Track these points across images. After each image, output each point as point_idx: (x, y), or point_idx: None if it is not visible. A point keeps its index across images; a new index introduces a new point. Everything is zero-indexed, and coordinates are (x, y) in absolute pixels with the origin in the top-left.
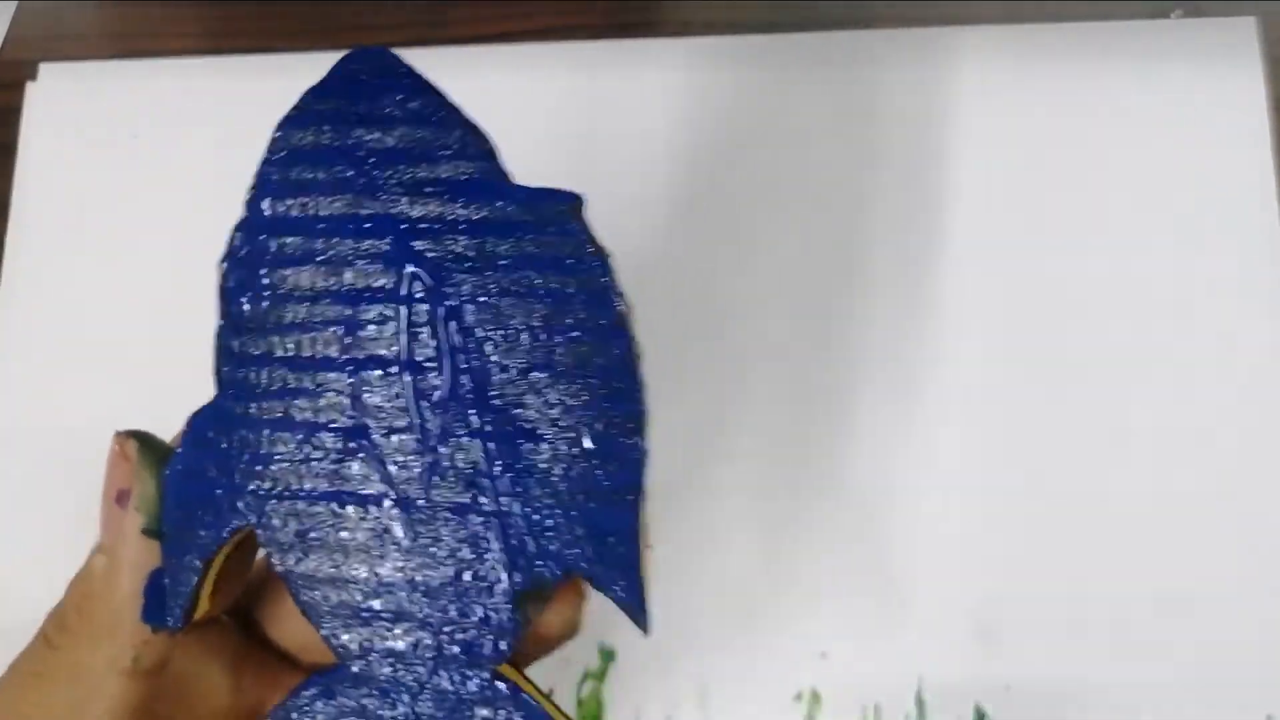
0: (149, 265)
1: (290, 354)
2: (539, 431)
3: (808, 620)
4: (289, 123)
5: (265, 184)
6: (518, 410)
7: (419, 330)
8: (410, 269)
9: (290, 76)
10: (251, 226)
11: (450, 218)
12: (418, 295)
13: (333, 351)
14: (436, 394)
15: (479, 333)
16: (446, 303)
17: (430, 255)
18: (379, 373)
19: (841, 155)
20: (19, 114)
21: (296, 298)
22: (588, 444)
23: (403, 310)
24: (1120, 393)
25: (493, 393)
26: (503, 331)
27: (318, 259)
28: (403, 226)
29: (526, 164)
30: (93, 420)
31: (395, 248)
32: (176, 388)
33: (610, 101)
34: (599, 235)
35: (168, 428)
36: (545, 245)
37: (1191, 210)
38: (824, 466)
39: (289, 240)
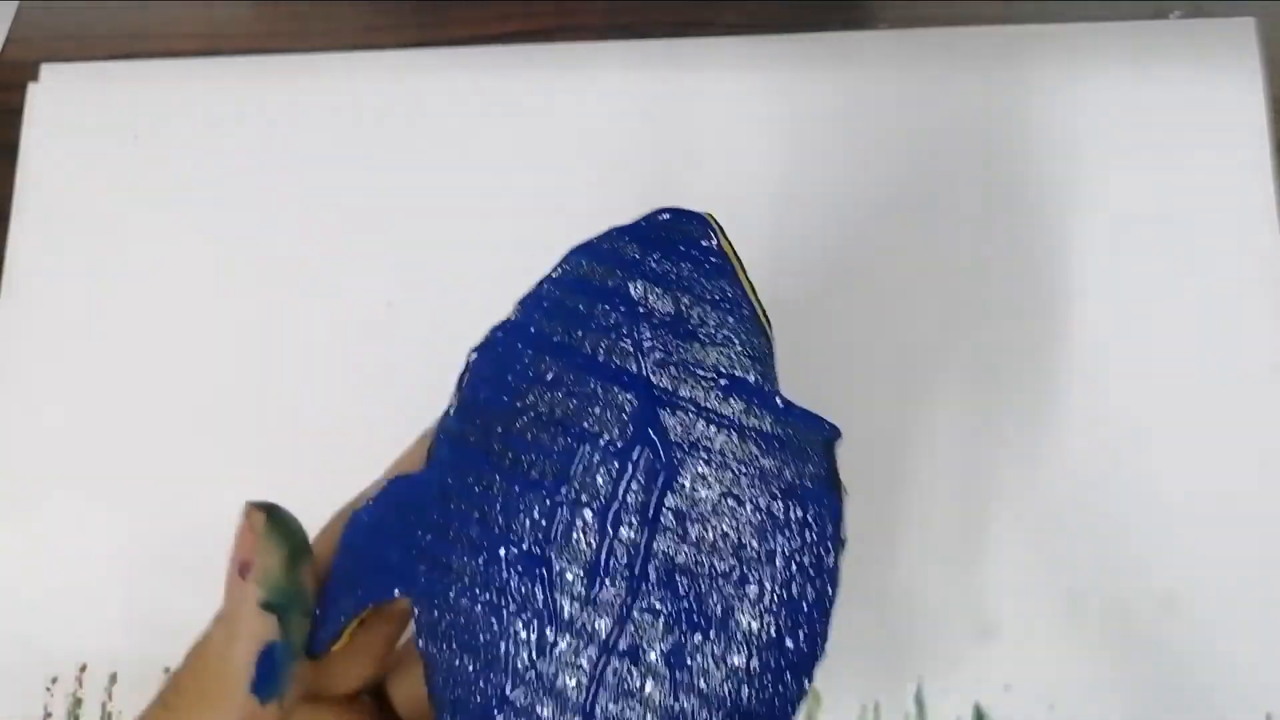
0: (151, 266)
1: (507, 463)
2: (711, 635)
3: None
4: (586, 250)
5: (542, 298)
6: (697, 610)
7: (634, 494)
8: (647, 434)
9: (291, 77)
10: (515, 330)
11: (704, 404)
12: (645, 461)
13: (546, 478)
14: (625, 559)
15: (687, 524)
16: (667, 478)
17: (669, 429)
18: (578, 518)
19: (839, 157)
20: (20, 115)
21: (533, 415)
22: (752, 667)
23: (627, 467)
24: (1119, 392)
25: (680, 584)
26: (711, 533)
27: (564, 388)
28: (655, 393)
29: (524, 164)
30: (93, 421)
31: (640, 409)
32: (177, 389)
33: (612, 102)
34: (841, 473)
35: (169, 428)
36: (785, 466)
37: (1190, 211)
38: None
39: (545, 359)
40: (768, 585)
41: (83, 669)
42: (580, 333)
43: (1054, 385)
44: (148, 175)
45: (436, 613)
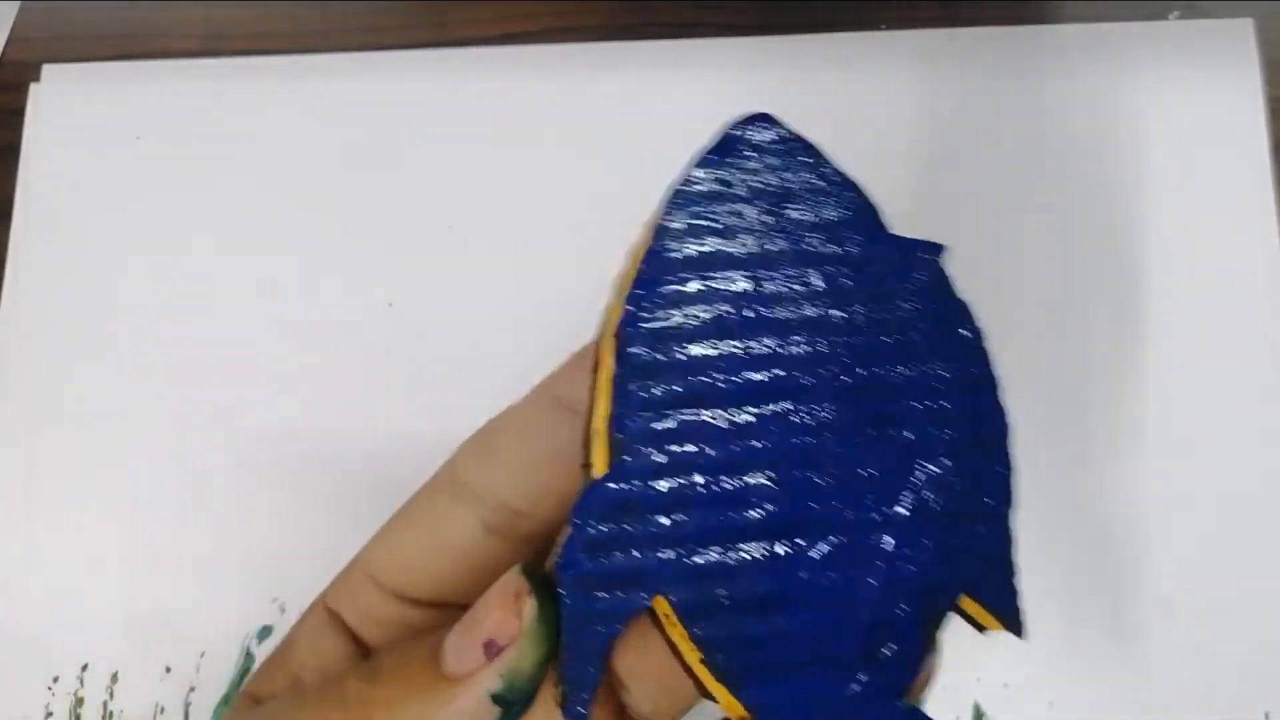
0: (152, 267)
1: (699, 398)
2: (922, 462)
3: None
4: (681, 194)
5: (667, 240)
6: (905, 442)
7: (823, 361)
8: (814, 296)
9: (291, 77)
10: (657, 262)
11: (837, 254)
12: (820, 325)
13: (735, 391)
14: (829, 430)
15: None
16: (843, 332)
17: (826, 279)
18: (786, 415)
19: (839, 157)
20: (22, 115)
21: (700, 341)
22: (966, 467)
23: (817, 345)
24: (1118, 392)
25: (888, 430)
26: (885, 366)
27: (721, 301)
28: (805, 254)
29: (523, 164)
30: (95, 423)
31: (808, 283)
32: (179, 389)
33: (612, 103)
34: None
35: (169, 428)
36: (915, 285)
37: (1189, 212)
38: None
39: (694, 280)
40: (938, 382)
41: (84, 668)
42: (723, 241)
43: (1052, 384)
44: (149, 176)
45: (688, 595)
